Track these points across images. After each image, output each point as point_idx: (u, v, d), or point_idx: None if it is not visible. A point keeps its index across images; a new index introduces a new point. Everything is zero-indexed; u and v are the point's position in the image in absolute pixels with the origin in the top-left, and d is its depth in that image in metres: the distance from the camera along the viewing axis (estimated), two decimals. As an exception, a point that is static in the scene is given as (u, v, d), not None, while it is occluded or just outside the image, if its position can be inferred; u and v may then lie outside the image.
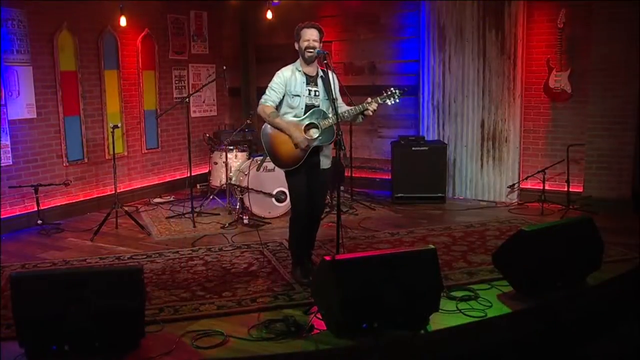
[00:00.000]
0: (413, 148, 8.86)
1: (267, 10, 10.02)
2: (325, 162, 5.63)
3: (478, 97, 8.99)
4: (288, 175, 5.59)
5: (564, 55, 8.40)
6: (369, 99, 5.38)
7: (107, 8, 8.73)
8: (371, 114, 5.38)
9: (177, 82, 10.19)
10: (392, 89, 5.43)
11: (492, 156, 9.00)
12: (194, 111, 10.58)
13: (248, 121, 8.62)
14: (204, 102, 10.80)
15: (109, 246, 7.02)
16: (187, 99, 8.34)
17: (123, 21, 8.76)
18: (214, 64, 10.87)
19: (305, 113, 5.45)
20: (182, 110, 9.74)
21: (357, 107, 5.38)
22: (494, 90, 8.85)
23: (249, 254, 6.59)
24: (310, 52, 5.33)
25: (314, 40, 5.34)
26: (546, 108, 8.78)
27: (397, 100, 5.43)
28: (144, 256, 6.60)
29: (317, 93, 5.50)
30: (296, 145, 5.36)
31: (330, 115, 5.37)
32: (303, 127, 5.43)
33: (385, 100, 5.41)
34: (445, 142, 9.21)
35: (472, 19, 8.87)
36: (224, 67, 8.71)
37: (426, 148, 8.86)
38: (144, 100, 9.56)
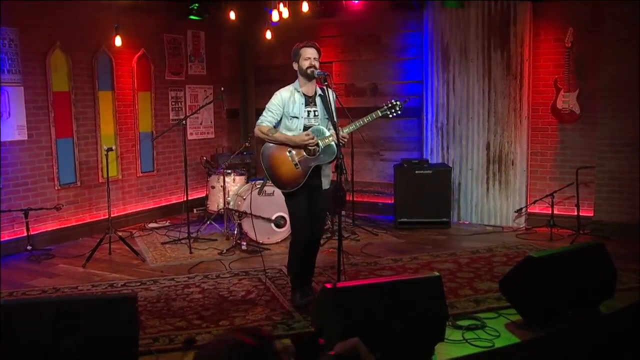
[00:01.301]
0: (416, 171, 8.85)
1: (266, 31, 10.02)
2: (325, 183, 5.68)
3: (483, 119, 9.00)
4: (288, 197, 5.60)
5: (572, 75, 8.42)
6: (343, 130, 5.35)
7: (102, 27, 8.77)
8: (341, 142, 5.25)
9: (173, 103, 10.21)
10: (392, 100, 5.50)
11: (499, 179, 8.98)
12: (191, 133, 10.57)
13: (246, 144, 8.59)
14: (201, 124, 10.79)
15: (101, 273, 6.98)
16: (184, 121, 8.34)
17: (118, 41, 8.79)
18: (212, 85, 10.89)
19: None
20: (178, 132, 9.76)
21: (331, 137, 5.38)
22: (500, 112, 8.86)
23: (247, 281, 6.55)
24: (313, 69, 5.39)
25: (315, 59, 5.43)
26: (554, 130, 8.78)
27: (399, 112, 5.48)
28: (138, 283, 6.55)
29: (316, 113, 5.55)
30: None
31: (329, 134, 5.42)
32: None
33: (386, 113, 5.46)
34: (450, 165, 9.20)
35: (477, 38, 8.91)
36: (222, 88, 8.70)
37: (430, 171, 8.84)
38: (140, 122, 9.57)
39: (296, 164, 5.43)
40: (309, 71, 5.40)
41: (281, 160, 5.46)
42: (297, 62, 5.50)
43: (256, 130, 5.53)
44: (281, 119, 5.51)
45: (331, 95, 5.44)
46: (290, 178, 5.45)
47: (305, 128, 5.49)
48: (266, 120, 5.48)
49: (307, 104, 5.52)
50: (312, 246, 5.73)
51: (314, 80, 5.53)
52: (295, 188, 5.45)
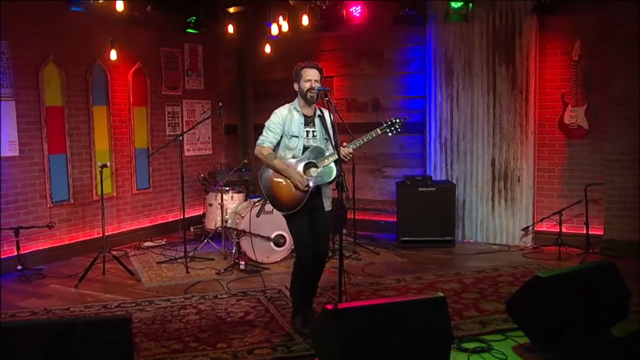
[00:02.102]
0: (420, 188, 8.83)
1: (265, 44, 10.10)
2: (327, 204, 5.64)
3: (488, 134, 9.00)
4: (289, 219, 5.57)
5: (580, 89, 8.41)
6: (345, 144, 5.36)
7: (97, 40, 8.78)
8: (345, 159, 5.29)
9: (170, 118, 10.21)
10: (392, 118, 5.48)
11: (504, 197, 8.96)
12: (188, 149, 10.57)
13: (245, 160, 8.64)
14: (198, 140, 10.79)
15: (95, 293, 6.93)
16: (181, 137, 8.28)
17: (113, 55, 8.80)
18: (210, 99, 10.90)
19: (303, 153, 5.49)
20: (175, 148, 9.69)
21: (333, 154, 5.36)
22: (505, 127, 8.86)
23: (246, 301, 6.50)
24: (312, 93, 5.37)
25: (316, 81, 5.41)
26: (561, 145, 8.77)
27: (399, 130, 5.46)
28: (133, 304, 6.51)
29: (314, 133, 5.55)
30: (296, 187, 5.37)
31: (328, 153, 5.42)
32: (302, 167, 5.44)
33: (386, 131, 5.45)
34: (454, 182, 9.20)
35: (481, 52, 8.95)
36: (220, 103, 8.72)
37: (433, 188, 8.82)
38: (135, 137, 9.57)
39: (295, 186, 5.40)
40: (308, 95, 5.40)
41: (280, 182, 5.44)
42: (298, 82, 5.50)
43: (257, 150, 5.51)
44: (281, 137, 5.50)
45: (327, 115, 5.45)
46: (290, 200, 5.42)
47: (305, 148, 5.49)
48: (267, 140, 5.47)
49: (306, 124, 5.52)
50: (316, 268, 5.68)
51: (314, 103, 5.53)
52: (294, 210, 5.42)
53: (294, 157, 5.48)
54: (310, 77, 5.41)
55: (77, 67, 8.64)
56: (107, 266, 7.72)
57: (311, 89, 5.38)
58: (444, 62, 9.21)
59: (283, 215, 5.58)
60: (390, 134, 5.47)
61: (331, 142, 5.30)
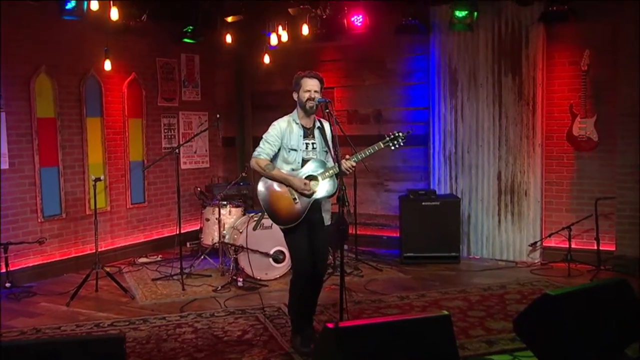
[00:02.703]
0: (423, 203, 8.84)
1: (264, 55, 10.11)
2: (326, 218, 5.65)
3: (494, 147, 9.00)
4: (287, 233, 5.56)
5: (589, 100, 8.38)
6: (347, 157, 5.38)
7: (91, 50, 8.80)
8: (347, 172, 5.31)
9: (166, 131, 10.22)
10: (395, 132, 5.49)
11: (511, 211, 8.95)
12: (185, 163, 10.57)
13: (243, 174, 8.58)
14: (195, 152, 10.80)
15: (87, 312, 6.91)
16: (177, 150, 8.29)
17: (108, 65, 8.80)
18: (207, 111, 10.94)
19: (302, 167, 5.49)
20: (171, 161, 9.72)
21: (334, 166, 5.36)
22: (512, 139, 8.86)
23: (244, 320, 6.48)
24: (312, 103, 5.39)
25: (315, 92, 5.41)
26: (570, 158, 8.74)
27: (402, 144, 5.47)
28: (127, 323, 6.48)
29: (314, 146, 5.56)
30: (301, 194, 5.35)
31: (329, 166, 5.43)
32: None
33: (389, 145, 5.46)
34: (459, 196, 9.19)
35: (486, 62, 8.96)
36: (218, 115, 8.76)
37: (437, 203, 8.84)
38: (130, 150, 9.57)
39: (295, 199, 5.40)
40: (307, 106, 5.40)
41: (279, 195, 5.44)
42: (297, 92, 5.50)
43: (253, 162, 5.50)
44: (279, 150, 5.51)
45: (327, 127, 5.47)
46: (289, 213, 5.42)
47: (304, 161, 5.49)
48: (264, 152, 5.46)
49: (305, 136, 5.52)
50: (314, 284, 5.67)
51: (313, 114, 5.54)
52: (294, 224, 5.41)
53: (293, 170, 5.48)
54: (310, 87, 5.41)
55: (70, 78, 8.64)
56: (100, 283, 7.68)
57: (310, 99, 5.38)
58: (448, 73, 9.23)
59: (281, 229, 5.56)
60: (393, 147, 5.48)
61: (331, 154, 5.29)
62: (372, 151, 5.40)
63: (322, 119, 5.56)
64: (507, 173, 8.93)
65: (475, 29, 8.85)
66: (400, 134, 5.46)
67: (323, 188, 5.42)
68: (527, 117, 8.72)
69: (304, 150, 5.50)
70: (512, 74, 8.77)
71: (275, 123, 5.53)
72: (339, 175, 5.10)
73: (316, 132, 5.56)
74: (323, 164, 5.47)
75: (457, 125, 9.22)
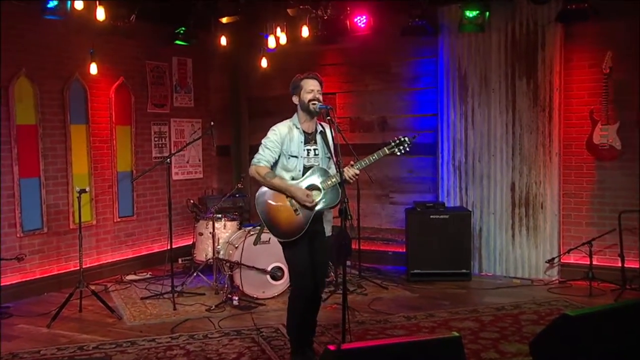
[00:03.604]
0: (431, 216, 8.83)
1: (261, 58, 10.11)
2: (328, 229, 5.68)
3: (507, 156, 8.99)
4: (286, 246, 5.55)
5: (611, 105, 8.35)
6: (351, 163, 5.39)
7: (75, 53, 8.79)
8: (350, 180, 5.36)
9: (156, 139, 10.23)
10: (400, 136, 5.53)
11: (526, 225, 8.92)
12: (176, 173, 10.59)
13: (239, 185, 8.58)
14: (187, 162, 10.82)
15: (69, 334, 6.86)
16: (169, 159, 8.24)
17: (94, 68, 8.79)
18: (200, 118, 10.97)
19: (303, 174, 5.50)
20: (162, 172, 9.74)
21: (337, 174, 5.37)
22: (526, 148, 8.84)
23: (239, 341, 6.47)
24: (315, 103, 5.41)
25: (318, 91, 5.46)
26: (590, 168, 8.70)
27: (408, 149, 5.51)
28: (113, 345, 6.46)
29: (316, 152, 5.57)
30: (302, 205, 5.35)
31: (332, 174, 5.45)
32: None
33: (394, 150, 5.48)
34: (469, 208, 9.19)
35: (499, 66, 8.95)
36: (212, 122, 8.72)
37: (447, 216, 8.84)
38: (117, 160, 9.57)
39: (296, 210, 5.39)
40: (311, 106, 5.41)
41: (279, 206, 5.42)
42: (298, 95, 5.51)
43: (252, 170, 5.50)
44: (279, 157, 5.51)
45: (328, 131, 5.51)
46: (290, 226, 5.41)
47: (305, 168, 5.50)
48: (263, 159, 5.46)
49: (306, 142, 5.54)
50: (314, 302, 5.68)
51: (315, 117, 5.57)
52: (294, 237, 5.41)
53: (293, 179, 5.48)
54: (313, 87, 5.44)
55: (53, 82, 8.62)
56: (85, 303, 7.64)
57: (314, 99, 5.41)
58: (458, 77, 9.22)
59: (280, 242, 5.57)
60: (398, 153, 5.50)
61: (333, 161, 5.31)
62: (377, 157, 5.43)
63: (323, 123, 5.60)
64: (521, 184, 8.90)
65: (487, 30, 8.84)
66: (406, 138, 5.48)
67: (325, 198, 5.41)
68: (543, 124, 8.69)
69: (305, 157, 5.51)
70: (527, 77, 8.74)
71: (274, 127, 5.55)
72: (342, 185, 5.14)
73: (318, 137, 5.58)
74: (325, 173, 5.47)
75: (468, 133, 9.21)
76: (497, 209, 9.10)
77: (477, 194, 9.22)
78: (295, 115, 5.59)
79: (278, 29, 9.33)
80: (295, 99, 5.54)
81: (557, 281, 8.65)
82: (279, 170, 5.52)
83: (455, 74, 9.23)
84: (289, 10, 8.73)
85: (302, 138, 5.50)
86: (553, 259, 8.74)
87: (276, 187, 5.41)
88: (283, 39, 9.34)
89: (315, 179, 5.44)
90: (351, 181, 5.34)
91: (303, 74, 5.57)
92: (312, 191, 5.41)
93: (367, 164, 5.40)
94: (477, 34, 8.93)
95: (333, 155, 5.34)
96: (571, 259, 8.73)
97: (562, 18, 8.37)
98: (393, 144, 5.47)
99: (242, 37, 10.14)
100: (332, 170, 5.45)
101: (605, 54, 8.27)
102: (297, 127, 5.52)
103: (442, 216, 8.79)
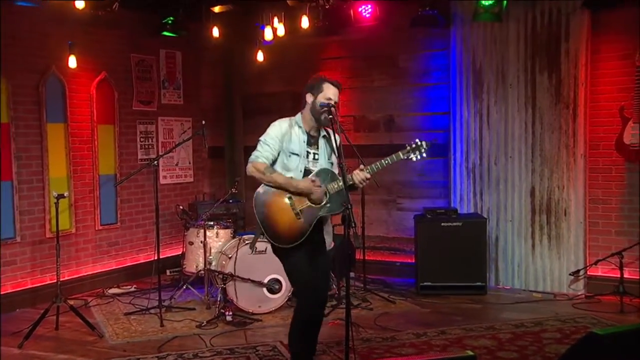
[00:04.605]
0: (443, 223, 8.84)
1: (257, 51, 10.11)
2: (328, 241, 5.67)
3: (526, 158, 8.98)
4: (285, 256, 5.52)
5: (644, 101, 8.37)
6: (360, 167, 5.40)
7: (52, 45, 8.71)
8: (360, 185, 5.41)
9: (142, 139, 10.21)
10: (417, 140, 5.48)
11: (547, 234, 8.89)
12: (165, 177, 10.60)
13: (233, 190, 8.60)
14: (177, 165, 10.82)
15: (44, 354, 6.79)
16: (156, 162, 8.19)
17: (72, 62, 8.74)
18: (190, 117, 10.96)
19: (304, 177, 5.49)
20: (148, 175, 9.70)
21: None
22: (548, 149, 8.82)
23: (233, 361, 6.48)
24: (327, 117, 5.37)
25: (336, 103, 5.45)
26: (620, 171, 8.63)
27: (424, 155, 5.48)
28: (93, 366, 6.47)
29: (316, 156, 5.59)
30: (298, 214, 5.35)
31: (340, 177, 5.39)
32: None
33: (409, 156, 5.46)
34: (485, 215, 9.19)
35: (518, 59, 8.93)
36: (203, 122, 8.61)
37: (460, 223, 8.85)
38: (99, 162, 9.54)
39: (297, 214, 5.38)
40: (322, 117, 5.39)
41: (278, 208, 5.40)
42: (315, 96, 5.49)
43: (250, 167, 5.48)
44: (279, 154, 5.50)
45: (332, 136, 5.47)
46: (289, 230, 5.38)
47: (306, 172, 5.50)
48: (262, 155, 5.44)
49: (308, 144, 5.56)
50: (315, 318, 5.67)
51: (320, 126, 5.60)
52: (294, 244, 5.36)
53: (293, 179, 5.48)
54: (332, 96, 5.43)
55: (27, 76, 8.56)
56: (62, 319, 7.56)
57: (330, 109, 5.36)
58: (472, 72, 9.22)
59: (278, 252, 5.54)
60: (414, 159, 5.48)
61: (338, 167, 5.33)
62: (390, 162, 5.40)
63: (327, 128, 5.56)
64: (542, 188, 8.88)
65: (505, 19, 8.77)
66: (423, 142, 5.45)
67: (330, 203, 5.42)
68: (566, 122, 8.65)
69: (305, 158, 5.50)
70: (549, 71, 8.71)
71: (275, 123, 5.56)
72: (348, 190, 5.16)
73: (321, 142, 5.59)
74: (333, 174, 5.47)
75: (483, 132, 9.21)
76: (515, 216, 9.07)
77: (493, 199, 9.21)
78: (300, 114, 5.58)
79: (275, 20, 9.30)
80: (309, 98, 5.51)
81: (583, 296, 8.59)
82: (278, 170, 5.50)
83: (470, 68, 9.21)
84: (287, -1, 8.76)
85: (305, 137, 5.51)
86: (578, 271, 8.68)
87: (277, 182, 5.39)
88: (281, 31, 9.31)
89: (320, 181, 5.42)
90: (361, 186, 5.37)
91: (328, 76, 5.58)
92: (317, 194, 5.49)
93: (378, 169, 5.39)
94: (493, 24, 8.90)
95: (336, 160, 5.39)
96: (599, 271, 8.65)
97: (589, 4, 8.37)
98: (409, 148, 5.44)
99: (236, 28, 10.14)
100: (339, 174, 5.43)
101: (637, 43, 8.18)
102: (299, 126, 5.53)
103: (454, 224, 8.79)
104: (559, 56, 8.62)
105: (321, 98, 5.41)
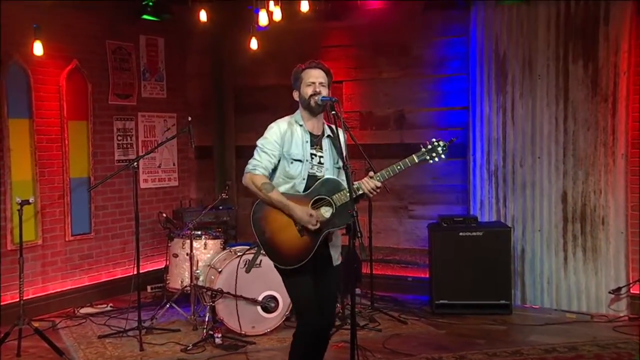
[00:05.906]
0: (461, 233, 8.78)
1: (250, 38, 9.96)
2: (335, 256, 5.53)
3: (557, 159, 8.88)
4: (287, 274, 5.40)
5: (698, 94, 8.24)
6: (371, 173, 5.31)
7: (14, 29, 8.57)
8: (370, 195, 5.33)
9: (120, 138, 10.15)
10: (433, 140, 5.38)
11: (582, 245, 8.77)
12: (145, 180, 10.55)
13: (223, 195, 8.66)
14: (159, 167, 10.80)
15: (3, 385, 6.63)
16: (136, 163, 8.15)
17: (38, 48, 8.64)
18: (175, 112, 10.96)
19: (307, 185, 5.39)
20: (127, 178, 9.71)
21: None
22: (582, 149, 8.73)
23: (222, 392, 6.50)
24: (317, 98, 5.32)
25: (321, 84, 5.38)
26: (667, 173, 8.55)
27: (443, 157, 5.38)
28: (60, 399, 6.42)
29: (321, 160, 5.50)
30: (301, 231, 5.24)
31: (344, 186, 5.30)
32: (310, 204, 5.28)
33: (425, 158, 5.35)
34: (509, 224, 9.12)
35: (548, 46, 8.83)
36: (190, 118, 8.65)
37: (480, 233, 8.76)
38: (70, 163, 9.48)
39: (300, 230, 5.24)
40: (312, 102, 5.34)
41: (280, 224, 5.27)
42: (298, 89, 5.47)
43: (246, 179, 5.37)
44: (279, 161, 5.40)
45: (341, 135, 5.48)
46: (293, 250, 5.26)
47: (310, 178, 5.39)
48: (260, 166, 5.33)
49: (312, 145, 5.48)
50: (319, 342, 5.55)
51: (321, 116, 5.51)
52: (300, 264, 5.25)
53: (294, 188, 5.36)
54: (314, 78, 5.35)
55: None
56: (25, 344, 7.43)
57: (315, 93, 5.31)
58: (495, 61, 9.15)
59: (279, 270, 5.40)
60: (431, 161, 5.35)
61: (345, 171, 5.19)
62: (403, 167, 5.30)
63: (332, 125, 5.53)
64: (575, 194, 8.79)
65: (533, 1, 8.77)
66: (440, 142, 5.34)
67: (338, 216, 5.26)
68: (604, 118, 8.52)
69: (309, 162, 5.39)
70: (584, 60, 8.60)
71: (273, 125, 5.46)
72: (357, 200, 5.15)
73: (325, 142, 5.49)
74: (338, 184, 5.33)
75: (507, 130, 9.16)
76: (544, 225, 8.99)
77: (518, 206, 9.14)
78: (297, 112, 5.52)
79: (271, 3, 9.10)
80: (295, 95, 5.50)
81: (625, 317, 8.44)
82: (277, 178, 5.42)
83: (492, 57, 9.15)
84: (284, -20, 8.69)
85: (307, 137, 5.42)
86: (619, 288, 8.49)
87: (273, 203, 5.27)
88: (277, 15, 9.12)
89: (325, 192, 5.31)
90: (371, 195, 5.28)
91: (305, 63, 5.50)
92: (321, 207, 5.29)
93: (390, 175, 5.27)
94: (519, 7, 8.87)
95: (343, 161, 5.30)
96: (643, 289, 8.57)
97: (633, -19, 8.29)
98: (424, 150, 5.32)
99: (226, 12, 10.07)
100: (344, 183, 5.35)
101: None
102: (299, 125, 5.43)
103: (474, 233, 8.73)
104: (596, 43, 8.51)
105: (304, 87, 5.38)
